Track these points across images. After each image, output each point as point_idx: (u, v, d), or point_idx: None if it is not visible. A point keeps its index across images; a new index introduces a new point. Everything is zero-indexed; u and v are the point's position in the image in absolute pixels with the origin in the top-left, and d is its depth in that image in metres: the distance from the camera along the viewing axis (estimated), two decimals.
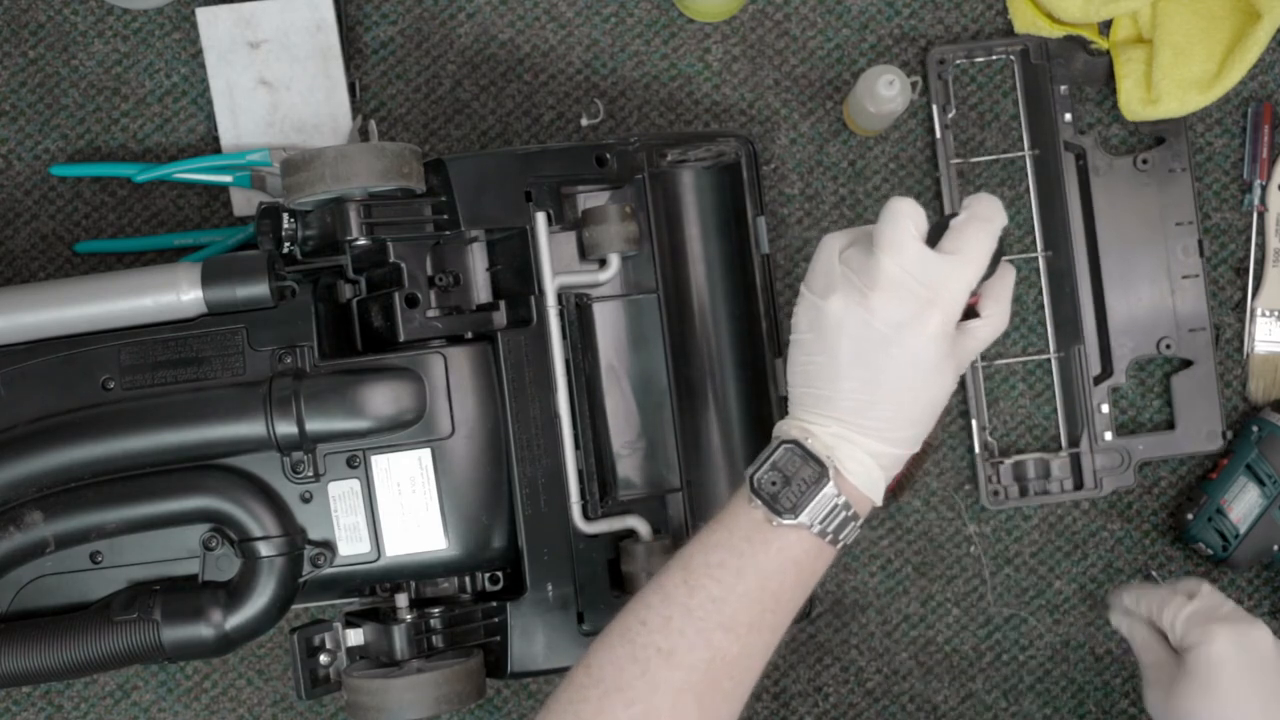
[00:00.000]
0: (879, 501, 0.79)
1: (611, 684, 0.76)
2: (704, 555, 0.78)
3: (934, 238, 0.77)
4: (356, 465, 0.91)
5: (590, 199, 0.96)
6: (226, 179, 1.06)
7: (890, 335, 0.75)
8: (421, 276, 0.93)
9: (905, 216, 0.76)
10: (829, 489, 0.76)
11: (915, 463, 1.04)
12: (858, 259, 0.77)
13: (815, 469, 0.76)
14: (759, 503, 0.77)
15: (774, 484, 0.77)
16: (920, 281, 0.75)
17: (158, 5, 1.09)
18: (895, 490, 1.05)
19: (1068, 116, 1.08)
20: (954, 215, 0.78)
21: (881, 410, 0.76)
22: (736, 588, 0.76)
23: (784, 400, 0.99)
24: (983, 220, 0.77)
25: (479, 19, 1.10)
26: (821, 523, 0.77)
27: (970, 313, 0.79)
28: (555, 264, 0.93)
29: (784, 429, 0.79)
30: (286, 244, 0.93)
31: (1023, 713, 1.10)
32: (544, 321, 0.92)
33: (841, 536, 0.78)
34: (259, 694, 1.08)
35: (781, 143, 1.10)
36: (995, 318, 0.80)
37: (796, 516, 0.76)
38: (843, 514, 0.77)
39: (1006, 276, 0.80)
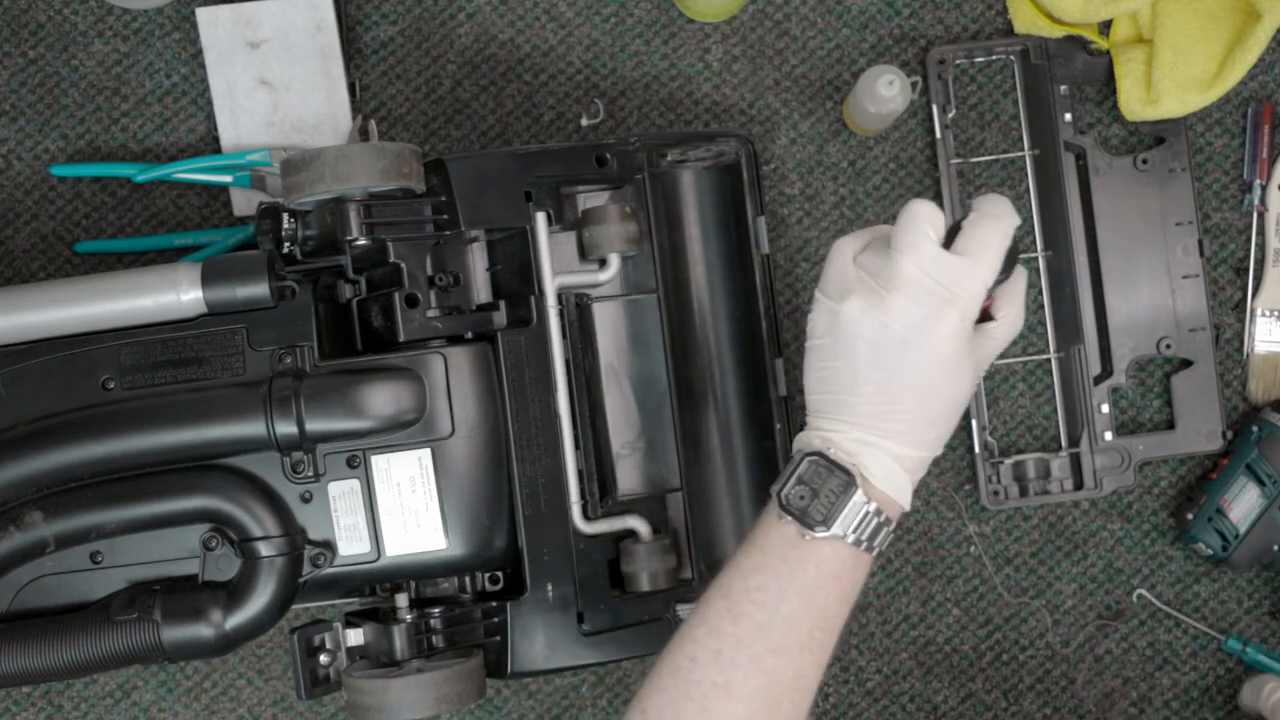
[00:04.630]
0: (907, 506, 0.78)
1: None
2: (743, 581, 0.76)
3: (949, 241, 0.77)
4: (356, 465, 0.91)
5: (590, 199, 0.96)
6: (226, 179, 1.06)
7: (908, 336, 0.75)
8: (421, 276, 0.93)
9: (923, 219, 0.75)
10: (858, 496, 0.75)
11: None
12: (873, 262, 0.76)
13: (842, 478, 0.75)
14: (789, 519, 0.76)
15: (802, 498, 0.75)
16: (938, 281, 0.75)
17: (158, 5, 1.08)
18: None
19: (1068, 116, 1.08)
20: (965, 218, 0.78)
21: (902, 413, 0.75)
22: (781, 609, 0.75)
23: (784, 400, 1.00)
24: (993, 218, 0.76)
25: (479, 19, 1.10)
26: (855, 531, 0.75)
27: (985, 316, 0.79)
28: (555, 264, 0.93)
29: (805, 440, 0.78)
30: (286, 244, 0.93)
31: (1023, 713, 1.10)
32: (544, 321, 0.92)
33: (876, 543, 0.76)
34: (259, 694, 1.08)
35: (781, 143, 1.10)
36: (1010, 319, 0.79)
37: (830, 528, 0.75)
38: (875, 520, 0.76)
39: (1019, 279, 0.80)
